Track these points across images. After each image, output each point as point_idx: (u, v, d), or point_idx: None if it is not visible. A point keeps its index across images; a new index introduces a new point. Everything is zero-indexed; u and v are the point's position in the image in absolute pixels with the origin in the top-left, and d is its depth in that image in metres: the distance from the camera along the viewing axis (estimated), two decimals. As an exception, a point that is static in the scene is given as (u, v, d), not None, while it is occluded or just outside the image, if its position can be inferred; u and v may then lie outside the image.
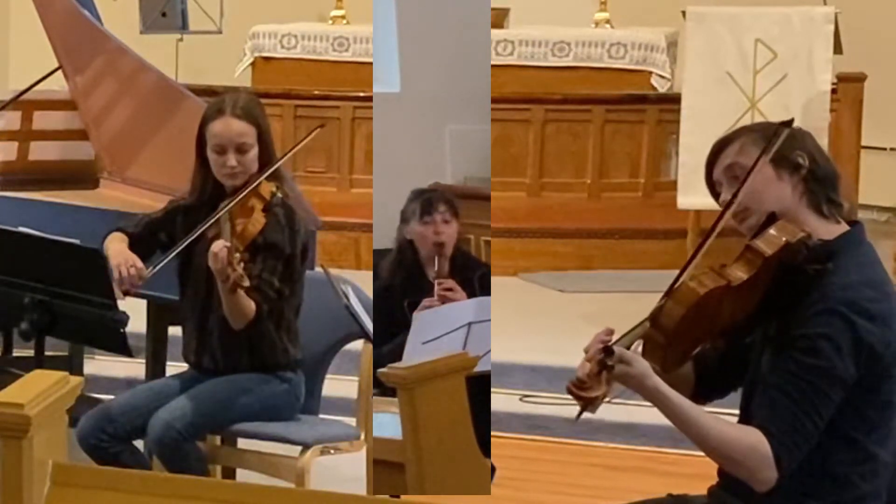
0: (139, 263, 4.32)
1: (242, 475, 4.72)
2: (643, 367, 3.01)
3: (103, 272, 4.25)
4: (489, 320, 4.35)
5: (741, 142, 3.23)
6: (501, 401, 5.99)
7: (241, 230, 4.30)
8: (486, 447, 4.11)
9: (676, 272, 3.10)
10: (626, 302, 6.63)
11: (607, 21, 9.67)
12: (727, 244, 3.23)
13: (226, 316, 4.31)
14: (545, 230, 8.46)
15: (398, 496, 4.01)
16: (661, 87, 9.04)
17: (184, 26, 9.88)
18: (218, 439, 4.69)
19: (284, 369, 4.50)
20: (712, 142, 3.31)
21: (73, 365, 5.53)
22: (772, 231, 3.11)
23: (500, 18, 9.32)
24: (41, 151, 6.65)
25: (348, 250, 8.33)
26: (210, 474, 4.54)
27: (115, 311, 4.21)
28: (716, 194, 3.27)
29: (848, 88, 7.72)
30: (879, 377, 3.08)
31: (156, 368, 5.19)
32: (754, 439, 3.04)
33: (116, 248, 4.39)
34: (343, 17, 10.02)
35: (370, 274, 4.96)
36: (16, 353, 5.76)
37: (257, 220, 4.34)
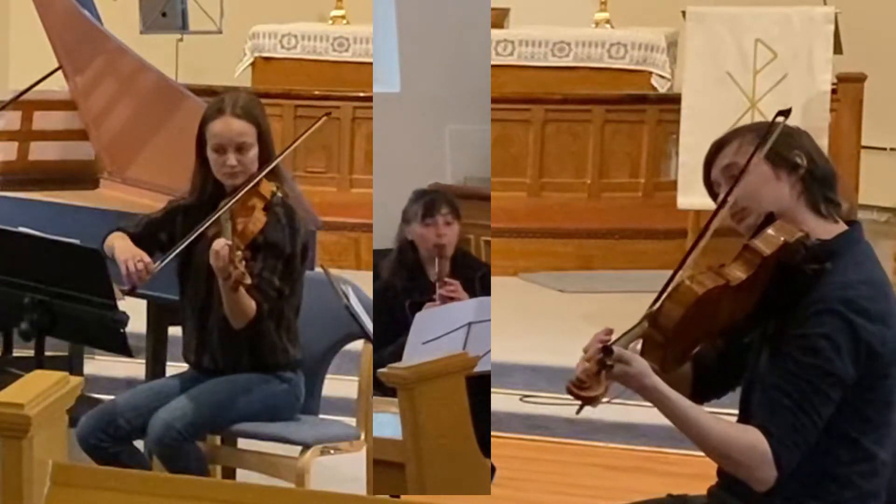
0: (146, 258, 4.32)
1: (242, 475, 4.72)
2: (642, 366, 3.01)
3: (103, 272, 4.25)
4: (489, 320, 4.35)
5: (738, 142, 3.23)
6: (501, 401, 5.99)
7: (241, 229, 4.31)
8: (486, 447, 4.11)
9: (674, 271, 3.10)
10: (626, 302, 6.62)
11: (607, 21, 9.68)
12: (726, 244, 3.23)
13: (226, 315, 4.31)
14: (545, 230, 8.46)
15: (398, 496, 4.01)
16: (661, 87, 9.04)
17: (184, 26, 9.88)
18: (218, 439, 4.69)
19: (284, 369, 4.50)
20: (712, 142, 3.31)
21: (73, 365, 5.53)
22: (770, 231, 3.11)
23: (500, 18, 9.32)
24: (41, 151, 6.65)
25: (348, 250, 8.33)
26: (210, 474, 4.54)
27: (115, 311, 4.21)
28: (714, 195, 3.27)
29: (848, 88, 7.72)
30: (878, 376, 3.08)
31: (156, 368, 5.19)
32: (754, 439, 3.04)
33: (122, 245, 4.39)
34: (343, 17, 10.02)
35: (370, 274, 4.96)
36: (16, 353, 5.76)
37: (258, 219, 4.34)
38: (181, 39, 9.94)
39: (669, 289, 3.05)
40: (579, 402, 3.03)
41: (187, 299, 4.53)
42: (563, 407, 5.73)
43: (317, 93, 8.82)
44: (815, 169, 3.19)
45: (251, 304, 4.28)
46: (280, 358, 4.48)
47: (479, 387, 4.21)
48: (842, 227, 3.20)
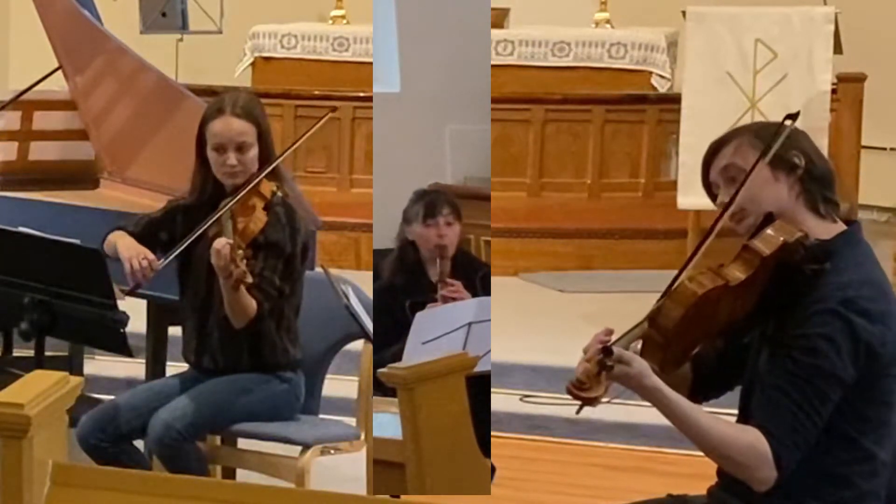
0: (150, 255, 4.32)
1: (242, 475, 4.72)
2: (642, 367, 3.01)
3: (103, 272, 4.25)
4: (489, 320, 4.35)
5: (737, 143, 3.23)
6: (501, 401, 5.99)
7: (242, 228, 4.31)
8: (486, 447, 4.11)
9: (676, 272, 3.10)
10: (626, 302, 6.63)
11: (607, 21, 9.68)
12: (726, 245, 3.23)
13: (227, 314, 4.31)
14: (545, 230, 8.46)
15: (398, 496, 4.01)
16: (661, 87, 9.05)
17: (184, 26, 9.88)
18: (218, 439, 4.69)
19: (284, 369, 4.50)
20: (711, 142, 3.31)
21: (73, 365, 5.53)
22: (769, 231, 3.11)
23: (500, 18, 9.32)
24: (41, 151, 6.64)
25: (348, 250, 8.33)
26: (210, 474, 4.54)
27: (115, 311, 4.21)
28: (712, 195, 3.27)
29: (848, 88, 7.72)
30: (878, 376, 3.09)
31: (156, 368, 5.19)
32: (753, 439, 3.04)
33: (126, 242, 4.39)
34: (343, 17, 10.03)
35: (370, 274, 4.96)
36: (16, 353, 5.76)
37: (258, 219, 4.34)
38: (181, 39, 9.94)
39: (669, 290, 3.05)
40: (579, 403, 3.03)
41: (187, 299, 4.53)
42: (563, 407, 5.72)
43: (317, 93, 8.82)
44: (813, 169, 3.19)
45: (252, 304, 4.28)
46: (280, 358, 4.48)
47: (479, 387, 4.21)
48: (841, 226, 3.20)
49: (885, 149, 9.89)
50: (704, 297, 3.02)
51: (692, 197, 6.93)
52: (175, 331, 4.84)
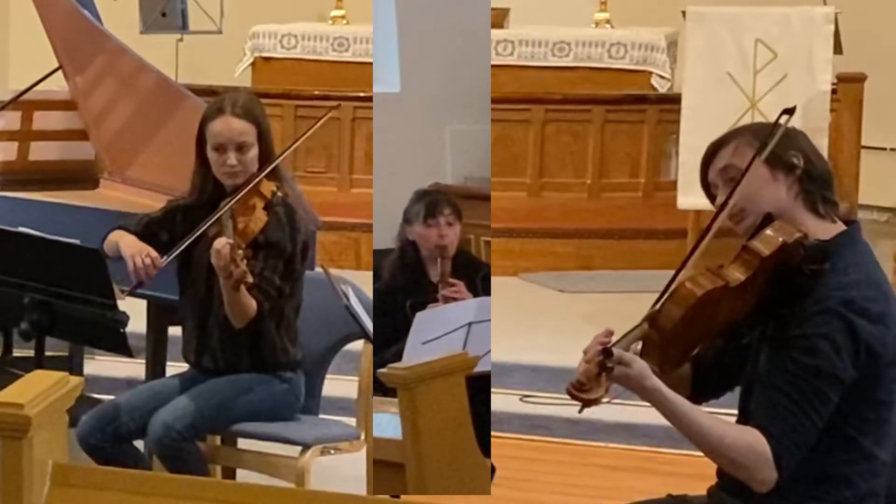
0: (153, 253, 4.32)
1: (242, 475, 4.72)
2: (642, 368, 3.01)
3: (103, 272, 4.24)
4: (489, 320, 4.35)
5: (736, 143, 3.23)
6: (501, 401, 5.99)
7: (242, 228, 4.31)
8: (486, 447, 4.11)
9: (674, 272, 3.10)
10: (626, 302, 6.63)
11: (607, 21, 9.68)
12: (725, 245, 3.23)
13: (227, 314, 4.31)
14: (545, 230, 8.46)
15: (398, 496, 4.01)
16: (661, 87, 9.05)
17: (184, 26, 9.88)
18: (218, 439, 4.69)
19: (284, 369, 4.50)
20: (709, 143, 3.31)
21: (73, 365, 5.53)
22: (768, 231, 3.11)
23: (500, 18, 9.32)
24: (41, 151, 6.64)
25: (348, 250, 8.33)
26: (210, 474, 4.54)
27: (115, 311, 4.21)
28: (711, 196, 3.27)
29: (848, 88, 7.72)
30: (878, 376, 3.08)
31: (156, 368, 5.19)
32: (753, 440, 3.04)
33: (128, 240, 4.39)
34: (343, 17, 10.03)
35: (370, 274, 4.96)
36: (16, 353, 5.76)
37: (259, 219, 4.35)
38: (181, 39, 9.94)
39: (668, 291, 3.05)
40: (580, 404, 3.03)
41: (187, 299, 4.53)
42: (563, 407, 5.73)
43: (317, 93, 8.82)
44: (811, 169, 3.19)
45: (252, 304, 4.28)
46: (280, 358, 4.48)
47: (479, 387, 4.21)
48: (840, 227, 3.20)
49: (885, 149, 9.89)
50: (704, 297, 3.02)
51: (692, 197, 6.92)
52: (175, 331, 4.84)
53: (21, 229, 4.69)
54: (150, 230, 4.51)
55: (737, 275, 3.07)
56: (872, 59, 8.46)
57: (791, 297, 3.10)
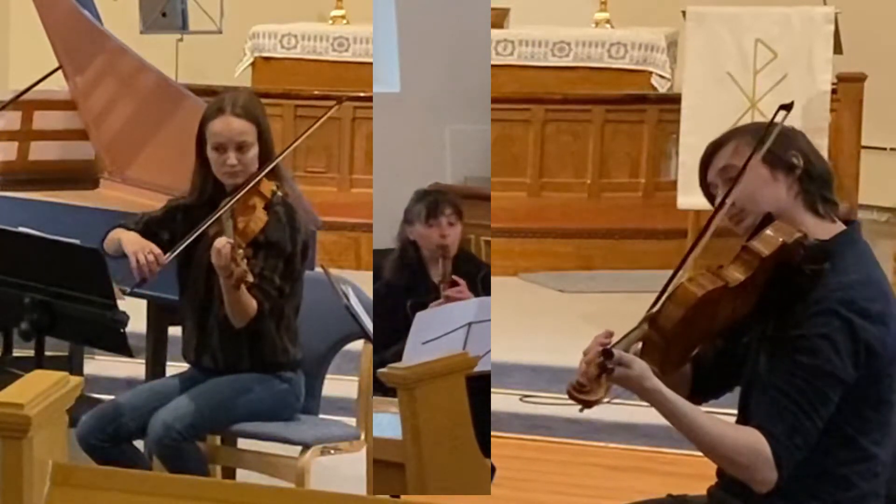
0: (156, 249, 4.31)
1: (242, 475, 4.72)
2: (642, 369, 3.01)
3: (103, 272, 4.24)
4: (489, 320, 4.35)
5: (735, 143, 3.23)
6: (501, 401, 5.99)
7: (242, 228, 4.31)
8: (486, 447, 4.11)
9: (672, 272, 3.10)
10: (626, 302, 6.63)
11: (607, 21, 9.68)
12: (725, 245, 3.23)
13: (227, 314, 4.31)
14: (545, 230, 8.46)
15: (398, 496, 4.01)
16: (661, 87, 9.05)
17: (184, 26, 9.88)
18: (218, 439, 4.69)
19: (284, 369, 4.50)
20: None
21: (73, 365, 5.53)
22: (768, 231, 3.11)
23: (500, 18, 9.32)
24: (41, 151, 6.64)
25: (348, 250, 8.33)
26: (210, 474, 4.54)
27: (115, 311, 4.21)
28: (710, 197, 3.27)
29: (848, 88, 7.72)
30: (878, 376, 3.08)
31: (156, 368, 5.19)
32: (753, 440, 3.04)
33: (130, 237, 4.38)
34: (343, 17, 10.03)
35: (370, 274, 4.96)
36: (16, 353, 5.76)
37: (259, 218, 4.35)
38: (181, 39, 9.94)
39: (668, 291, 3.05)
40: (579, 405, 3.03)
41: (187, 299, 4.53)
42: (564, 407, 5.70)
43: (317, 93, 8.81)
44: (811, 169, 3.18)
45: (252, 303, 4.28)
46: (280, 357, 4.48)
47: (479, 387, 4.21)
48: (840, 226, 3.20)
49: (885, 149, 9.89)
50: (704, 298, 3.02)
51: (692, 197, 6.92)
52: (175, 331, 4.84)
53: (21, 229, 4.69)
54: (151, 229, 4.50)
55: (737, 275, 3.07)
56: (872, 59, 8.46)
57: (791, 297, 3.10)
